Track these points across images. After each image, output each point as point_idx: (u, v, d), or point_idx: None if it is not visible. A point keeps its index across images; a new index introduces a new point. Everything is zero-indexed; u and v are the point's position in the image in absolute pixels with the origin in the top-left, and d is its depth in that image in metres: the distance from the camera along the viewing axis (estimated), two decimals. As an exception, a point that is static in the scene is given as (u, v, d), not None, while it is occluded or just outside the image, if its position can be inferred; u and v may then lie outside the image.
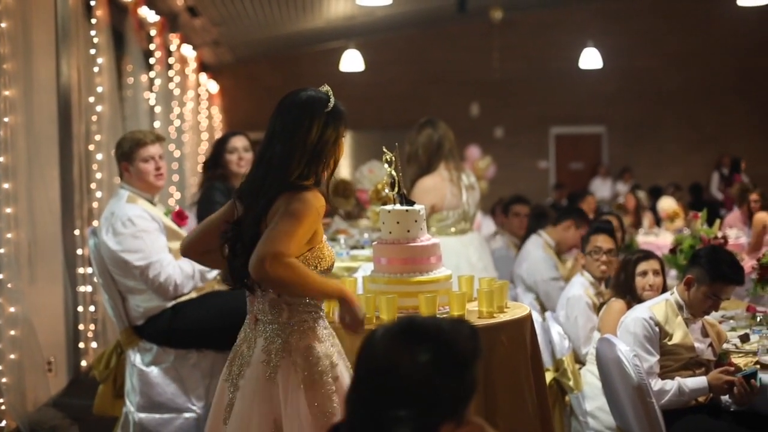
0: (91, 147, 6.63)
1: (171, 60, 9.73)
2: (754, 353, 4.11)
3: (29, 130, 5.41)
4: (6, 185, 4.98)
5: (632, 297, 4.44)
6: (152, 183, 4.48)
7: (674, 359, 3.90)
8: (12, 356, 4.95)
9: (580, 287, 4.92)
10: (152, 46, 8.76)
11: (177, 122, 9.73)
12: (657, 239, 8.75)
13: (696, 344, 3.92)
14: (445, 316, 3.21)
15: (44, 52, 6.03)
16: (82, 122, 6.60)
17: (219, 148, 5.45)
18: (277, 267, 2.59)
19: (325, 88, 2.90)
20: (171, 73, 9.69)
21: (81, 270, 6.44)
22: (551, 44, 15.85)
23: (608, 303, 4.59)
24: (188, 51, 11.11)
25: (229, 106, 15.55)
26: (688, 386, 3.81)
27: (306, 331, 2.81)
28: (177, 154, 9.59)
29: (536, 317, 4.26)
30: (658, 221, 10.27)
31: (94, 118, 6.68)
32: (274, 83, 14.78)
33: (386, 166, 3.41)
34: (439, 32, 15.90)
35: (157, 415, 4.47)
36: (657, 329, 3.88)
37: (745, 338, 4.31)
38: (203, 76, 12.90)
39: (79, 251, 6.42)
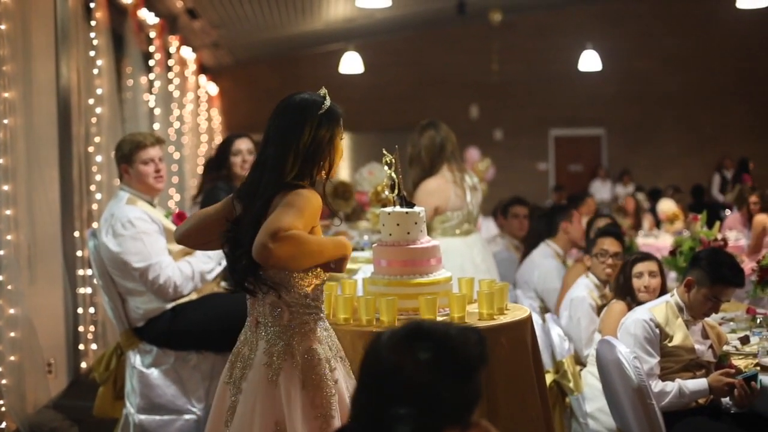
0: (91, 149, 6.62)
1: (170, 62, 9.73)
2: (755, 355, 4.11)
3: (29, 131, 5.40)
4: (6, 187, 4.97)
5: (632, 299, 4.45)
6: (152, 185, 4.48)
7: (674, 361, 3.90)
8: (12, 358, 4.94)
9: (585, 289, 4.92)
10: (152, 48, 8.76)
11: (176, 124, 9.72)
12: (657, 241, 8.76)
13: (696, 346, 3.93)
14: (453, 322, 3.21)
15: (44, 54, 6.03)
16: (82, 124, 6.59)
17: (223, 150, 5.46)
18: (280, 243, 2.58)
19: (323, 91, 2.91)
20: (170, 75, 9.69)
21: (81, 272, 6.44)
22: (550, 46, 15.85)
23: (609, 304, 4.60)
24: (188, 53, 11.11)
25: (229, 108, 15.54)
26: (688, 388, 3.81)
27: (307, 333, 2.82)
28: (176, 156, 9.59)
29: (536, 319, 4.26)
30: (657, 223, 10.28)
31: (94, 120, 6.67)
32: (273, 85, 14.79)
33: (386, 168, 3.41)
34: (439, 34, 15.90)
35: (157, 417, 4.47)
36: (657, 331, 3.88)
37: (745, 340, 4.31)
38: (203, 78, 12.91)
39: (79, 253, 6.41)
